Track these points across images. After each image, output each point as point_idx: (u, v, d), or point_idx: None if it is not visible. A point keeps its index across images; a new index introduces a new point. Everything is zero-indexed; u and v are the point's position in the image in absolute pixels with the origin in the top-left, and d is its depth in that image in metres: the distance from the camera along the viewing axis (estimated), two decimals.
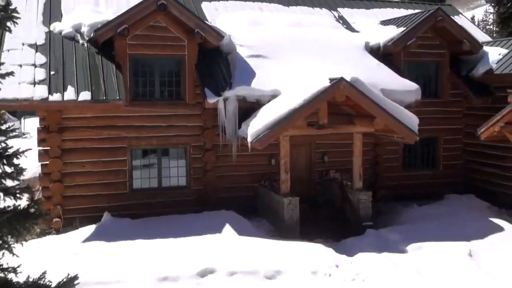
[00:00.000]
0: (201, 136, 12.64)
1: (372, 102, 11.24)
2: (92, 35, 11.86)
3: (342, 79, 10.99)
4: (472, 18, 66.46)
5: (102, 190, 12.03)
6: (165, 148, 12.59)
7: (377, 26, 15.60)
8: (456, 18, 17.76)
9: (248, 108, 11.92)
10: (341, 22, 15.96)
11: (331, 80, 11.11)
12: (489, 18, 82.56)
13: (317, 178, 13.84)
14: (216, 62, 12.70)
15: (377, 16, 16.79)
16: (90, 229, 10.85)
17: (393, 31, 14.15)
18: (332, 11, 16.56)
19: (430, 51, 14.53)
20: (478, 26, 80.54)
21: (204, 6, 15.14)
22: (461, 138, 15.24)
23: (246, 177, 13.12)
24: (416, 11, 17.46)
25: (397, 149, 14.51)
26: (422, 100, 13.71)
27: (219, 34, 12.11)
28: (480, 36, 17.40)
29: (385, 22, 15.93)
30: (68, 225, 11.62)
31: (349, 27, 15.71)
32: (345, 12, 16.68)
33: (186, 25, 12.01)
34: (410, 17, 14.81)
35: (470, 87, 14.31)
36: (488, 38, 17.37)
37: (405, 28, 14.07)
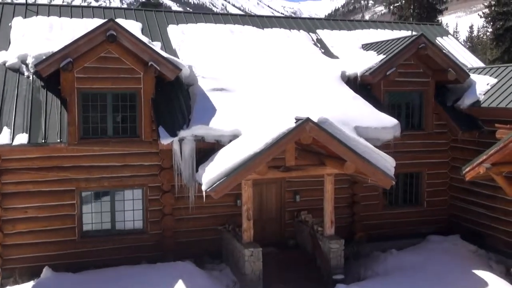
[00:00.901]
0: (159, 176, 11.55)
1: (342, 144, 10.15)
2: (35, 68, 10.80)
3: (308, 120, 9.91)
4: (471, 28, 64.91)
5: (48, 238, 10.94)
6: (119, 189, 11.49)
7: (357, 51, 14.52)
8: (445, 40, 16.74)
9: (208, 148, 10.86)
10: (319, 46, 14.88)
11: (297, 120, 10.05)
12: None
13: (288, 219, 12.74)
14: (176, 95, 11.64)
15: (358, 39, 15.70)
16: (27, 287, 9.77)
17: (373, 59, 13.07)
18: (310, 34, 15.49)
19: (413, 79, 13.44)
20: (478, 34, 79.35)
21: (171, 29, 14.09)
22: (446, 173, 14.13)
23: (209, 219, 12.03)
24: (402, 32, 16.49)
25: (377, 186, 13.38)
26: (404, 133, 12.72)
27: (176, 67, 11.03)
28: (471, 59, 16.35)
29: (366, 46, 14.84)
30: (8, 276, 10.55)
31: (327, 52, 14.64)
32: (324, 34, 15.60)
33: (140, 57, 10.94)
34: (392, 42, 13.72)
35: (456, 120, 13.20)
36: (479, 63, 16.27)
37: (385, 56, 12.98)
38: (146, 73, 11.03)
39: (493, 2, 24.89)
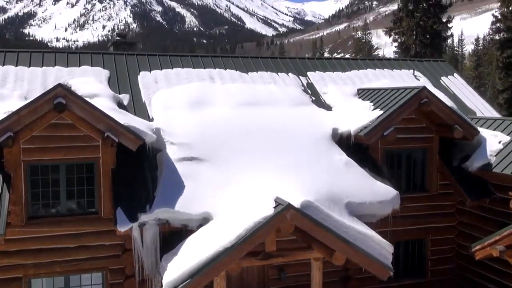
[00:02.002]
0: (121, 257, 10.02)
1: (329, 232, 8.63)
2: None
3: (289, 206, 8.39)
4: (477, 40, 62.63)
5: None
6: (75, 275, 9.97)
7: (352, 100, 12.95)
8: (451, 79, 15.18)
9: (175, 232, 9.34)
10: (309, 93, 13.32)
11: (276, 203, 8.54)
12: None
13: None
14: (140, 165, 10.13)
15: (354, 81, 14.14)
16: None
17: (368, 114, 11.50)
18: (300, 77, 13.93)
19: (415, 135, 11.89)
20: (484, 42, 77.17)
21: (143, 77, 12.59)
22: (453, 238, 12.54)
23: None
24: (403, 72, 14.96)
25: None
26: (405, 195, 11.21)
27: (138, 138, 9.50)
28: (478, 102, 14.76)
29: (362, 93, 13.28)
30: None
31: (318, 101, 13.08)
32: (316, 77, 14.04)
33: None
34: (391, 93, 12.15)
35: (463, 184, 11.61)
36: (487, 107, 14.67)
37: (382, 111, 11.41)
38: (104, 143, 9.52)
39: (501, 27, 23.34)
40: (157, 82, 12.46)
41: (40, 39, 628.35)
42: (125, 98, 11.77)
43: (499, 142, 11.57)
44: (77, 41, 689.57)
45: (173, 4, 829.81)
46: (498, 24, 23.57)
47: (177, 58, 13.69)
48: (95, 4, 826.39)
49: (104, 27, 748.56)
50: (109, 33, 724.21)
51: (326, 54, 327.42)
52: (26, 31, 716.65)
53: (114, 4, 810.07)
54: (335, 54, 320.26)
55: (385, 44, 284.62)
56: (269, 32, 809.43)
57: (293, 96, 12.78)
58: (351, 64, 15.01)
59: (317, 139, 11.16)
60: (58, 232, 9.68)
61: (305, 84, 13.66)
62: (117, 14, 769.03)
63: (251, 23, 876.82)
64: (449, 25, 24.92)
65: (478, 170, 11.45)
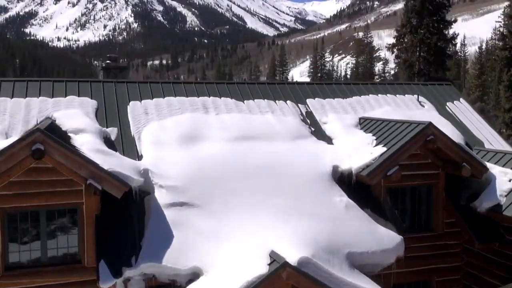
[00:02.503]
0: None
1: None
2: None
3: (285, 264, 7.75)
4: (480, 47, 61.53)
5: None
6: None
7: (352, 131, 12.29)
8: (457, 105, 14.53)
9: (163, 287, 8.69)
10: (308, 123, 12.65)
11: (271, 259, 7.90)
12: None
13: None
14: (127, 210, 9.47)
15: (355, 109, 13.48)
16: None
17: (371, 151, 10.82)
18: (299, 105, 13.26)
19: (420, 172, 11.20)
20: (487, 46, 76.22)
21: (132, 108, 11.92)
22: (460, 279, 11.86)
23: None
24: (407, 97, 14.33)
25: None
26: (409, 235, 10.55)
27: (123, 184, 8.84)
28: (485, 131, 14.07)
29: (364, 123, 12.62)
30: None
31: (318, 132, 12.42)
32: (315, 105, 13.37)
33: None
34: (395, 126, 11.48)
35: (471, 224, 10.94)
36: (495, 136, 13.99)
37: (385, 147, 10.74)
38: (87, 190, 8.86)
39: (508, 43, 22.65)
40: (147, 113, 11.80)
41: (41, 38, 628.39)
42: (113, 132, 11.12)
43: (510, 181, 10.90)
44: (78, 40, 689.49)
45: (174, 3, 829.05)
46: (506, 40, 22.88)
47: (169, 85, 13.03)
48: (96, 3, 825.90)
49: (105, 26, 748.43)
50: (110, 32, 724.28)
51: (327, 55, 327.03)
52: (27, 30, 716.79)
53: (115, 3, 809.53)
54: (336, 55, 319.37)
55: (386, 45, 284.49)
56: (270, 32, 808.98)
57: (291, 128, 12.11)
58: (353, 90, 14.34)
59: (317, 178, 10.49)
60: (39, 283, 9.03)
61: (304, 113, 12.99)
62: (118, 14, 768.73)
63: (252, 23, 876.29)
64: (454, 42, 24.23)
65: (487, 211, 10.77)
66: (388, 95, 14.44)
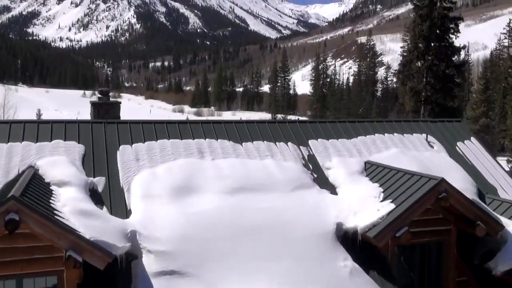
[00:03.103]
0: None
1: None
2: None
3: None
4: (485, 62, 60.43)
5: None
6: None
7: (358, 180, 11.48)
8: (467, 145, 13.75)
9: None
10: (310, 168, 11.85)
11: None
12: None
13: None
14: (111, 277, 8.65)
15: (360, 151, 12.68)
16: None
17: (377, 209, 10.02)
18: (301, 148, 12.46)
19: (430, 228, 10.39)
20: (492, 58, 75.15)
21: (122, 153, 11.12)
22: None
23: None
24: (415, 136, 13.54)
25: None
26: None
27: (106, 254, 8.03)
28: (498, 175, 13.25)
29: (370, 169, 11.83)
30: None
31: (321, 178, 11.62)
32: (318, 146, 12.57)
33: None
34: (404, 178, 10.68)
35: (485, 286, 10.13)
36: (508, 180, 13.15)
37: (393, 204, 9.94)
38: (67, 261, 8.06)
39: None
40: (138, 159, 11.00)
41: (44, 38, 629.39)
42: (100, 182, 10.33)
43: None
44: (81, 41, 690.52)
45: (177, 5, 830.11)
46: None
47: (163, 125, 12.24)
48: (99, 4, 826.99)
49: (107, 27, 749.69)
50: (112, 33, 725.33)
51: (329, 59, 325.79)
52: (29, 30, 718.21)
53: (118, 4, 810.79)
54: (338, 59, 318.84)
55: (388, 50, 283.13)
56: (272, 34, 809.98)
57: (292, 175, 11.30)
58: (358, 129, 13.54)
59: (319, 239, 9.69)
60: None
61: (306, 157, 12.19)
62: (121, 15, 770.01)
63: (254, 25, 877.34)
64: (463, 68, 23.42)
65: (502, 274, 9.97)
66: (395, 134, 13.65)
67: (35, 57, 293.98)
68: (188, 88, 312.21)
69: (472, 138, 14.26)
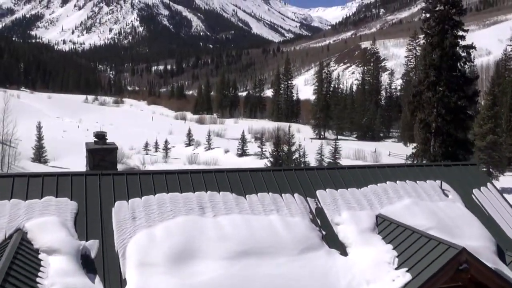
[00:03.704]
0: None
1: None
2: None
3: None
4: (493, 79, 59.39)
5: None
6: None
7: (369, 238, 10.73)
8: (484, 192, 12.99)
9: None
10: (319, 224, 11.11)
11: None
12: None
13: None
14: None
15: (371, 203, 11.93)
16: None
17: (392, 279, 9.28)
18: (308, 199, 11.72)
19: None
20: (498, 69, 74.29)
21: (117, 211, 10.38)
22: None
23: None
24: (429, 183, 12.79)
25: None
26: None
27: None
28: None
29: (383, 225, 11.09)
30: None
31: (330, 236, 10.87)
32: (327, 198, 11.83)
33: None
34: (421, 241, 9.92)
35: None
36: None
37: (409, 273, 9.20)
38: None
39: None
40: (134, 218, 10.26)
41: (47, 41, 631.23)
42: (93, 246, 9.60)
43: None
44: (84, 43, 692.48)
45: (180, 8, 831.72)
46: None
47: (161, 176, 11.51)
48: (102, 7, 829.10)
49: (110, 30, 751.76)
50: (115, 36, 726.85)
51: (332, 64, 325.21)
52: (33, 32, 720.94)
53: (121, 7, 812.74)
54: (341, 64, 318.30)
55: (392, 55, 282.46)
56: (275, 37, 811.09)
57: (300, 235, 10.55)
58: (368, 176, 12.79)
59: None
60: None
61: (314, 210, 11.45)
62: (124, 18, 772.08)
63: (257, 28, 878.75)
64: (475, 99, 22.52)
65: None
66: (407, 181, 12.89)
67: (38, 61, 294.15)
68: (190, 92, 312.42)
69: (488, 184, 13.50)
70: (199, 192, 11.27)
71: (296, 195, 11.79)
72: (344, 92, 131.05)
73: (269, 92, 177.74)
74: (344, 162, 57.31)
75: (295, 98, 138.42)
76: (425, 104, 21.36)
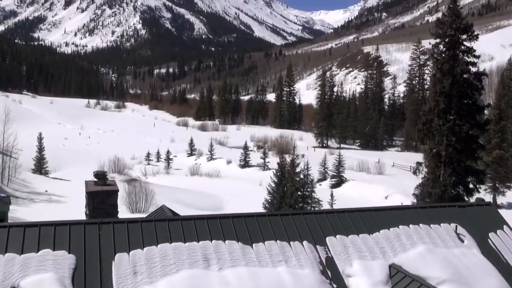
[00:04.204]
0: None
1: None
2: None
3: None
4: (500, 96, 58.78)
5: None
6: None
7: None
8: (500, 235, 12.44)
9: None
10: (329, 277, 10.55)
11: None
12: None
13: None
14: None
15: (384, 251, 11.37)
16: None
17: None
18: (318, 248, 11.16)
19: None
20: (503, 79, 73.69)
21: (117, 265, 9.84)
22: None
23: None
24: (444, 227, 12.27)
25: None
26: None
27: None
28: None
29: (397, 277, 10.53)
30: None
31: None
32: (337, 246, 11.28)
33: None
34: None
35: None
36: None
37: None
38: None
39: None
40: (136, 272, 9.73)
41: (50, 43, 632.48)
42: None
43: None
44: (86, 46, 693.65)
45: (182, 11, 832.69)
46: None
47: (164, 223, 10.97)
48: (105, 9, 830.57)
49: (113, 32, 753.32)
50: (118, 38, 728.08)
51: (334, 68, 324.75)
52: (35, 35, 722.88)
53: (123, 10, 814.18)
54: (344, 68, 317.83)
55: (394, 60, 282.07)
56: (277, 40, 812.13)
57: (309, 283, 10.02)
58: (380, 220, 12.23)
59: None
60: None
61: (324, 260, 10.89)
62: (126, 20, 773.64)
63: (259, 31, 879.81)
64: (487, 128, 21.91)
65: None
66: (421, 225, 12.34)
67: (40, 64, 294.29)
68: (192, 96, 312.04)
69: (505, 227, 12.94)
70: (204, 241, 10.72)
71: (305, 242, 11.24)
72: (346, 98, 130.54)
73: (271, 96, 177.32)
74: (347, 173, 56.73)
75: (297, 103, 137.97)
76: (435, 132, 20.71)
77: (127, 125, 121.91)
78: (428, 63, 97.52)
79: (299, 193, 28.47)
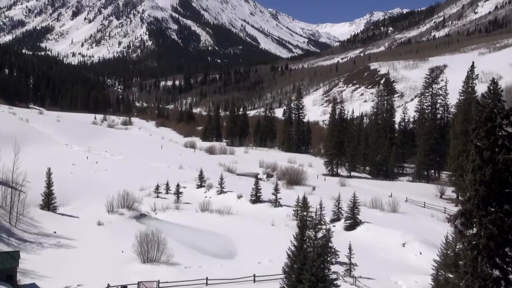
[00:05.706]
0: None
1: None
2: None
3: None
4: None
5: None
6: None
7: None
8: None
9: None
10: None
11: None
12: None
13: None
14: None
15: None
16: None
17: None
18: None
19: None
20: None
21: None
22: None
23: None
24: None
25: None
26: None
27: None
28: None
29: None
30: None
31: None
32: None
33: None
34: None
35: None
36: None
37: None
38: None
39: None
40: None
41: (57, 54, 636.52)
42: None
43: None
44: (93, 56, 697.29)
45: (189, 22, 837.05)
46: None
47: None
48: (112, 20, 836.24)
49: (120, 43, 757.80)
50: (124, 49, 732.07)
51: (341, 84, 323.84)
52: (43, 45, 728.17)
53: (130, 21, 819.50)
54: (350, 84, 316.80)
55: (401, 78, 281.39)
56: (283, 53, 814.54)
57: None
58: None
59: None
60: None
61: None
62: (133, 31, 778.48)
63: (265, 44, 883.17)
64: None
65: None
66: None
67: (48, 76, 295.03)
68: (198, 109, 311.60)
69: None
70: None
71: None
72: (355, 121, 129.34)
73: (278, 112, 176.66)
74: (361, 210, 55.31)
75: (306, 127, 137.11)
76: (474, 222, 19.58)
77: (134, 146, 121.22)
78: (440, 92, 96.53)
79: (321, 258, 27.20)
